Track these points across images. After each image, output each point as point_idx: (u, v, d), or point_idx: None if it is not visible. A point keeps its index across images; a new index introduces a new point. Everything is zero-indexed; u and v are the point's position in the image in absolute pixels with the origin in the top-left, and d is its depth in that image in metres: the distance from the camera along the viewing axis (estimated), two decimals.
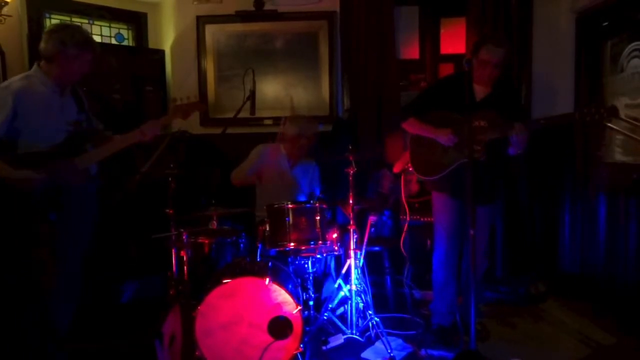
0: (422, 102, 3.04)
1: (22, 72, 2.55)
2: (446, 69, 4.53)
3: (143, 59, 4.26)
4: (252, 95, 3.19)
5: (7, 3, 3.48)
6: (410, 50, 4.51)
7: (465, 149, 2.75)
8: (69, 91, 2.60)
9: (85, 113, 2.63)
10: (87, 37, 2.55)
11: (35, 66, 2.54)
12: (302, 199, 3.64)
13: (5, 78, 3.41)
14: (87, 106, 2.66)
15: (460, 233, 2.97)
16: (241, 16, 4.31)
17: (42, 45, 2.48)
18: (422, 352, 2.88)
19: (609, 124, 3.08)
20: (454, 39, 4.46)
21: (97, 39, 4.37)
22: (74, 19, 4.22)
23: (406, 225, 3.43)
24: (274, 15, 4.31)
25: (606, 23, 3.62)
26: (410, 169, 3.15)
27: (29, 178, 2.34)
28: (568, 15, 3.89)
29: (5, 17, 3.49)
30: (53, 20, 4.10)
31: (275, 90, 4.37)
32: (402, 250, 3.39)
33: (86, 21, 4.32)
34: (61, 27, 2.54)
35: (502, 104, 2.85)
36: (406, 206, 3.44)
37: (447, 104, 2.89)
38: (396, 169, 3.63)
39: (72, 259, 2.54)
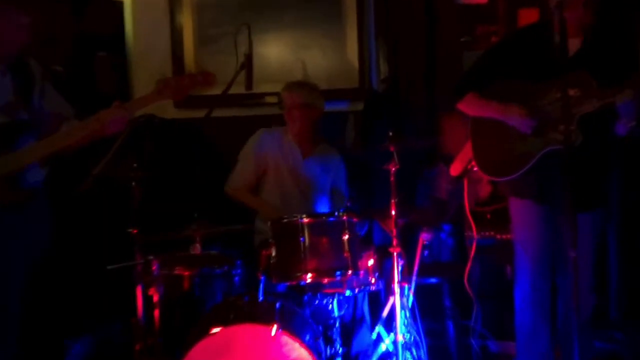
0: (483, 68, 3.02)
1: None
2: (528, 17, 4.45)
3: (93, 14, 4.27)
4: (248, 62, 3.16)
5: None
6: None
7: (550, 131, 2.71)
8: (5, 68, 2.60)
9: (32, 95, 2.65)
10: None
11: None
12: (323, 205, 3.67)
13: None
14: (39, 86, 2.67)
15: (552, 255, 2.92)
16: None
17: None
18: None
19: None
20: None
21: None
22: None
23: (474, 245, 3.38)
24: None
25: None
26: (475, 168, 3.10)
27: None
28: None
29: None
30: None
31: (281, 55, 4.38)
32: (466, 284, 3.33)
33: None
34: None
35: (603, 58, 2.77)
36: (470, 219, 3.38)
37: (521, 69, 2.86)
38: (454, 170, 3.56)
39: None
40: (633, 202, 3.89)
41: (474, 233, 3.44)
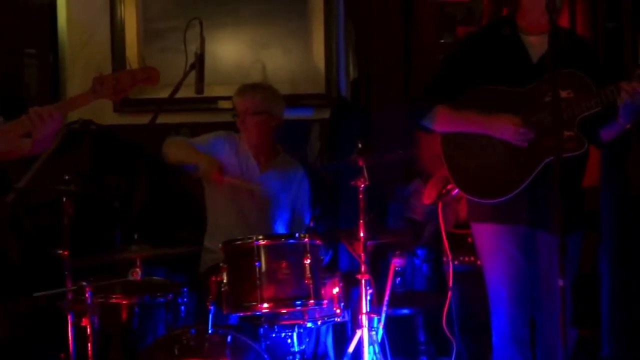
0: (449, 74, 3.00)
1: None
2: None
3: (20, 6, 4.24)
4: (200, 62, 3.17)
5: None
6: None
7: (547, 140, 2.69)
8: None
9: None
10: None
11: None
12: (283, 225, 3.68)
13: None
14: None
15: (530, 286, 2.92)
16: None
17: None
18: None
19: None
20: None
21: None
22: None
23: (450, 272, 3.39)
24: None
25: None
26: (453, 192, 3.11)
27: None
28: None
29: None
30: None
31: (237, 54, 4.40)
32: (444, 324, 3.33)
33: None
34: None
35: (576, 61, 2.81)
36: (445, 243, 3.39)
37: (490, 72, 2.87)
38: (428, 197, 3.58)
39: None
40: (628, 225, 3.94)
41: (450, 258, 3.44)
